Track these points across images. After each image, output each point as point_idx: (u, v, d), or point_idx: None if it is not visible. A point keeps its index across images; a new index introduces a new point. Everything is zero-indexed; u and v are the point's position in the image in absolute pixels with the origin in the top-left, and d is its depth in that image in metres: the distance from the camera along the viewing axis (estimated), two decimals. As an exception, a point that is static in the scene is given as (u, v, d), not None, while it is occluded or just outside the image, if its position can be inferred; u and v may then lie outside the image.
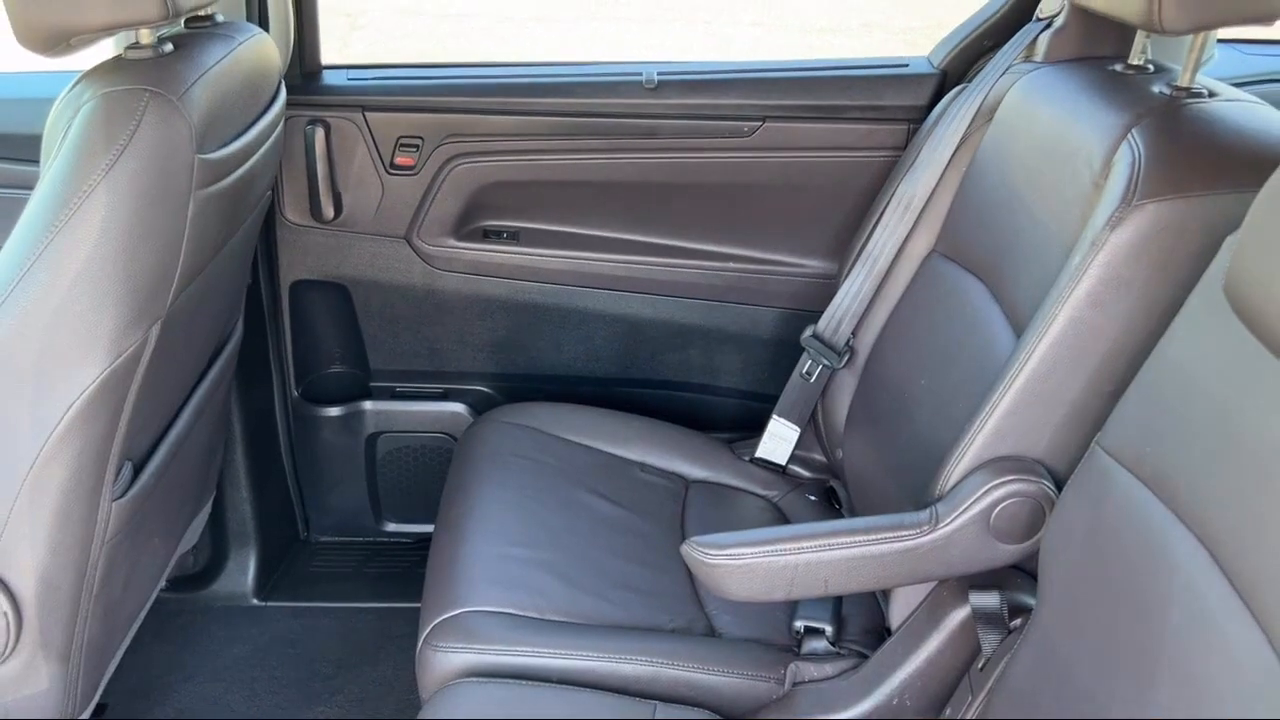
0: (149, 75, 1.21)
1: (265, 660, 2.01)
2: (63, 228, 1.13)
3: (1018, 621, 1.29)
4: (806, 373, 1.86)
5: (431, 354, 2.14)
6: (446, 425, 2.17)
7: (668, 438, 1.93)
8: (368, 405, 2.16)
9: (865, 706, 1.39)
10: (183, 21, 1.44)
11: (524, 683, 1.34)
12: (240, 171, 1.36)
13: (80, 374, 1.17)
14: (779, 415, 1.90)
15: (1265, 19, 1.33)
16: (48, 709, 1.33)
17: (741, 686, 1.42)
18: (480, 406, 2.14)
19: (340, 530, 2.29)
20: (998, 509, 1.30)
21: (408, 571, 2.19)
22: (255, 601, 2.13)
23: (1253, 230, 0.97)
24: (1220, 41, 2.13)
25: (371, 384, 2.16)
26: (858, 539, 1.33)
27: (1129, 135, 1.30)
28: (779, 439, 1.92)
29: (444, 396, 2.17)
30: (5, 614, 1.22)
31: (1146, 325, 1.21)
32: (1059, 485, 1.26)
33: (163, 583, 1.67)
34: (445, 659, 1.39)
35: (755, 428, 1.95)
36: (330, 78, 1.95)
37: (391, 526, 2.28)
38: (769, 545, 1.33)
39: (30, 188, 1.19)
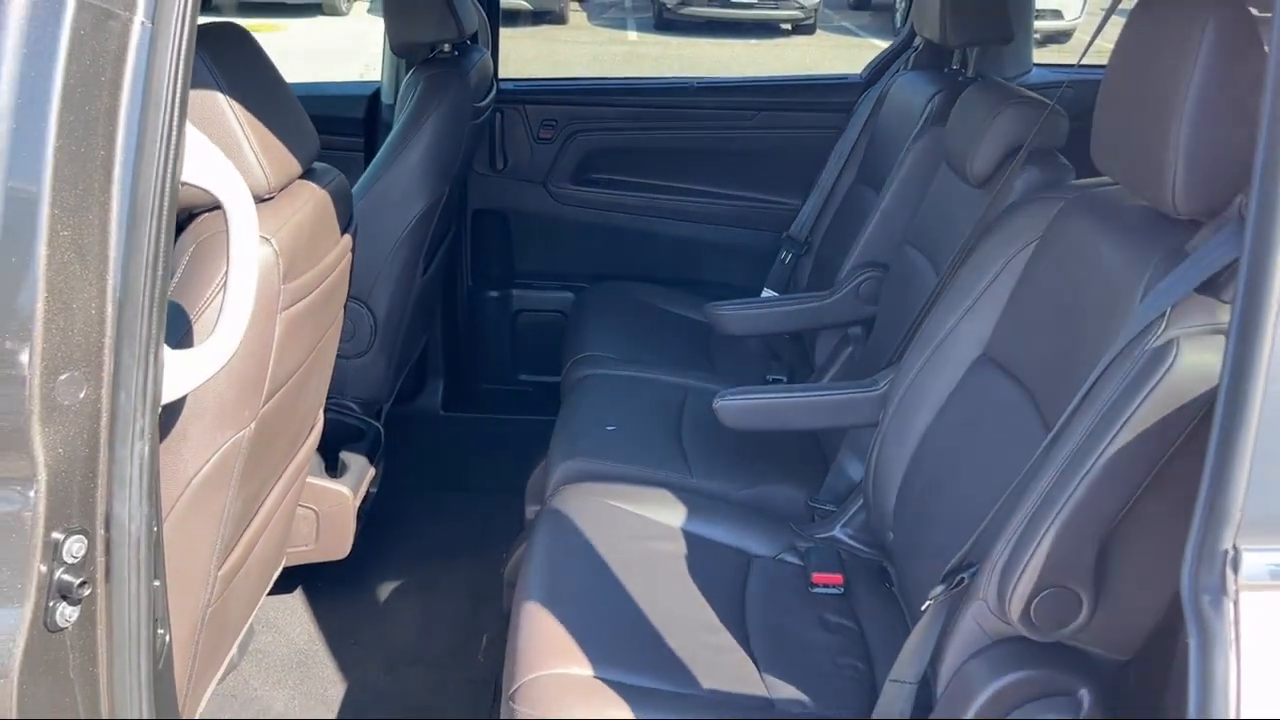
0: (452, 65, 2.53)
1: (450, 439, 3.28)
2: (425, 139, 2.44)
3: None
4: (782, 258, 3.13)
5: (553, 260, 3.42)
6: (561, 306, 3.44)
7: (700, 303, 3.19)
8: (515, 291, 3.45)
9: (802, 404, 2.64)
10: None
11: (627, 377, 2.59)
12: (481, 118, 2.68)
13: (416, 207, 2.46)
14: (768, 286, 3.16)
15: (1002, 41, 2.61)
16: (376, 390, 2.61)
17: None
18: (582, 295, 3.42)
19: (490, 379, 3.55)
20: (861, 286, 2.55)
21: (536, 404, 3.44)
22: (442, 413, 3.40)
23: (950, 118, 2.23)
24: (1040, 65, 3.40)
25: (516, 278, 3.45)
26: (799, 301, 2.61)
27: (933, 98, 2.57)
28: (768, 302, 3.18)
29: (561, 288, 3.45)
30: (372, 325, 2.50)
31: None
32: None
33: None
34: (581, 374, 2.65)
35: (757, 310, 3.20)
36: (503, 85, 3.27)
37: (524, 377, 3.55)
38: (751, 303, 2.61)
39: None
